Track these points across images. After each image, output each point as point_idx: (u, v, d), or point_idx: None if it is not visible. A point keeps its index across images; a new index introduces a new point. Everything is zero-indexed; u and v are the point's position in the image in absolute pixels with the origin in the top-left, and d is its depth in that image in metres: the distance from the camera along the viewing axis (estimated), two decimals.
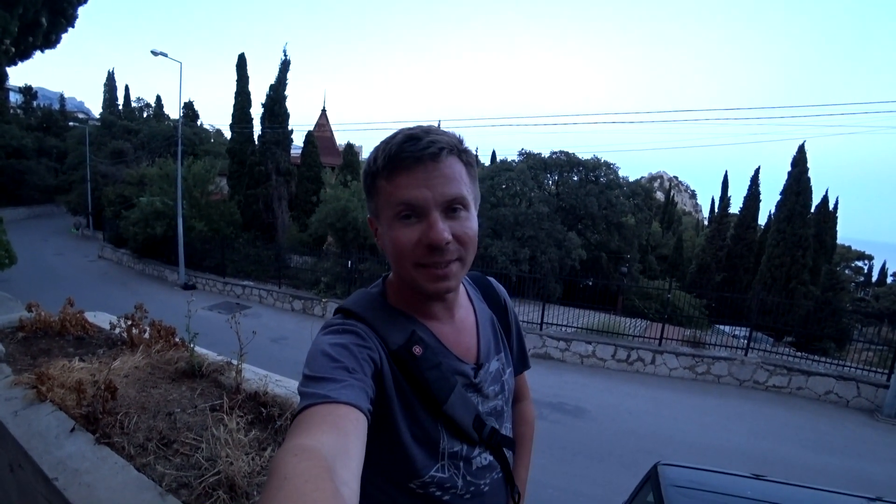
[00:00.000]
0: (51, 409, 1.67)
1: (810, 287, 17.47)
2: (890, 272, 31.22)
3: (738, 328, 9.84)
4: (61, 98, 38.63)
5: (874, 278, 32.95)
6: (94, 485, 1.35)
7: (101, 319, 2.70)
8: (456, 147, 0.75)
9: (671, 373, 8.61)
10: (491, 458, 0.85)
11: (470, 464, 0.81)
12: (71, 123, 34.94)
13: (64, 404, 1.68)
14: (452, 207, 0.72)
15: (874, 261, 33.93)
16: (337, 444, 0.52)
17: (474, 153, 0.80)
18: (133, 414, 1.76)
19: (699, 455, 5.50)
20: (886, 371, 7.43)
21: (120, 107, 36.97)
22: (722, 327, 10.38)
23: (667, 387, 8.12)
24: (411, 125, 0.76)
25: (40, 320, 2.29)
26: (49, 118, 34.34)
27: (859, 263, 33.99)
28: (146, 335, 2.42)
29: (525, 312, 10.06)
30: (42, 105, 36.30)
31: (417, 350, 0.76)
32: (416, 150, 0.70)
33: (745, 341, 8.63)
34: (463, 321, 0.87)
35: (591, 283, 14.22)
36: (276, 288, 13.00)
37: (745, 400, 7.63)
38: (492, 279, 1.03)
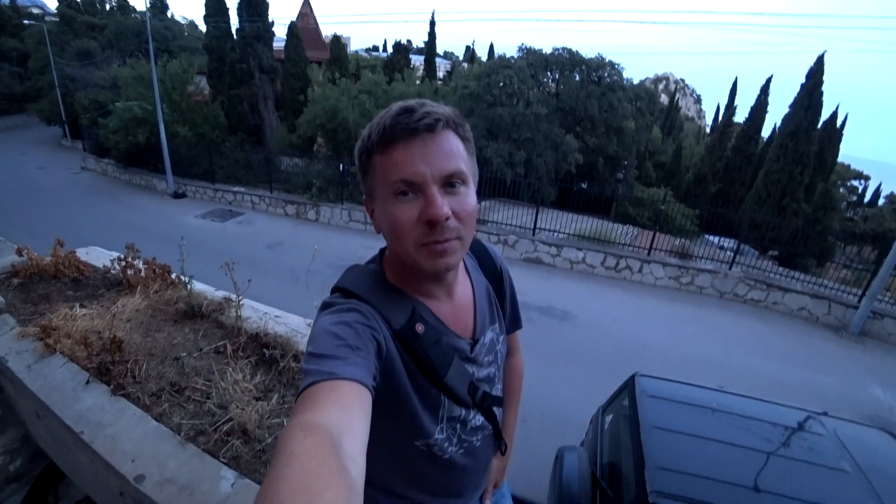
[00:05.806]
0: (62, 361, 1.73)
1: (803, 205, 17.42)
2: (884, 194, 30.48)
3: (726, 239, 10.01)
4: None
5: (867, 199, 32.28)
6: (118, 436, 1.44)
7: (94, 257, 2.70)
8: (452, 121, 0.72)
9: (657, 282, 8.91)
10: (483, 419, 0.93)
11: (465, 425, 0.90)
12: (26, 21, 31.26)
13: (74, 356, 1.74)
14: (451, 182, 0.71)
15: (871, 181, 33.04)
16: (342, 420, 0.53)
17: (468, 126, 0.76)
18: (142, 361, 1.83)
19: (675, 363, 5.86)
20: (860, 292, 7.56)
21: None
22: (711, 237, 10.56)
23: (651, 295, 8.41)
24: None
25: (33, 264, 2.28)
26: (0, 15, 30.65)
27: (855, 183, 33.05)
28: (142, 274, 2.44)
29: (518, 216, 10.10)
30: None
31: (420, 328, 0.79)
32: (412, 121, 0.68)
33: (732, 254, 8.83)
34: (460, 298, 0.89)
35: (585, 189, 14.17)
36: (267, 193, 12.74)
37: (723, 311, 7.96)
38: (489, 245, 1.04)
